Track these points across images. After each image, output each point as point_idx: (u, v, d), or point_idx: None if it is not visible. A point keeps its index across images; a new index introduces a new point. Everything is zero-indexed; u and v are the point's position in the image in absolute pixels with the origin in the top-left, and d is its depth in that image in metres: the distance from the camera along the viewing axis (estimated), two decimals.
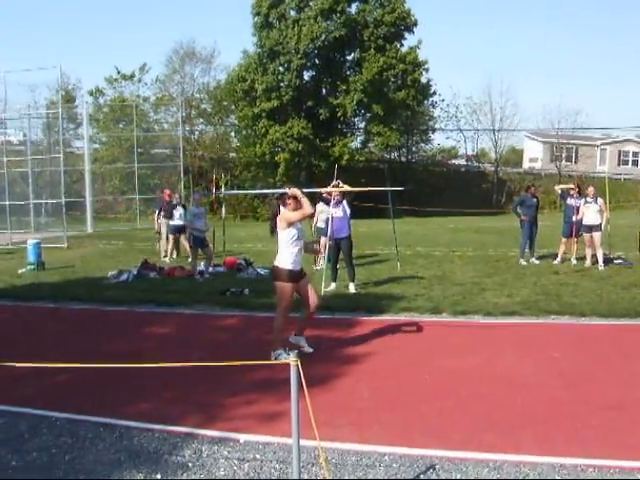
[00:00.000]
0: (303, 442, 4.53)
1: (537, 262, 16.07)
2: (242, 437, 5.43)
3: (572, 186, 16.85)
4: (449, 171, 60.38)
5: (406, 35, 46.43)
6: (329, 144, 43.90)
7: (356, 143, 48.67)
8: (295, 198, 7.76)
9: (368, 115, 46.38)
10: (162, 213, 19.07)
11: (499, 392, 6.47)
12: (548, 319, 9.80)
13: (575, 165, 62.38)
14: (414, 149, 60.99)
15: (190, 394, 6.56)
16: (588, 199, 15.44)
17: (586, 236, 15.41)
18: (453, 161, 66.69)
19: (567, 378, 6.89)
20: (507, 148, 67.28)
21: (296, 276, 7.84)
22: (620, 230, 20.72)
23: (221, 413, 6.00)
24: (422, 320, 9.85)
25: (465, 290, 12.15)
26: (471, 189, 53.69)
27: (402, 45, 46.20)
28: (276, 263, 7.87)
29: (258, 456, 5.10)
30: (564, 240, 16.21)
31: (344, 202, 12.65)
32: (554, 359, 7.62)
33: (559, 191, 17.09)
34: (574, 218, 15.62)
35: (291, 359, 4.29)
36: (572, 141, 65.02)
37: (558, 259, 16.13)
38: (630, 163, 64.95)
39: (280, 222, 7.81)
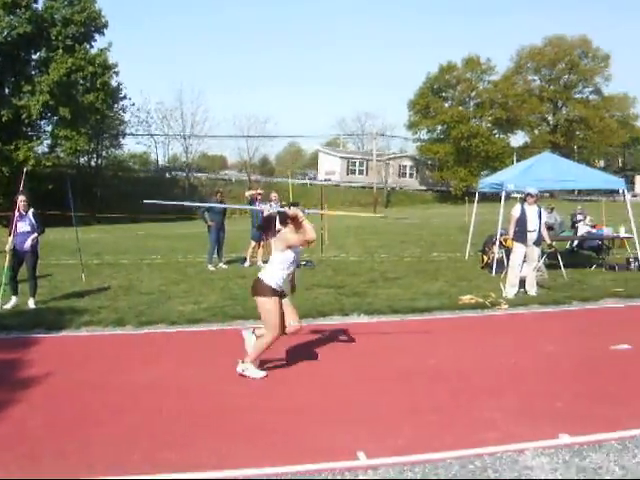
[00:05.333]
0: None
1: (225, 267, 16.24)
2: None
3: (259, 191, 17.31)
4: (140, 176, 59.60)
5: (96, 36, 45.19)
6: (12, 148, 41.04)
7: (43, 147, 46.18)
8: (295, 219, 7.07)
9: (55, 118, 44.21)
10: None
11: (179, 405, 6.22)
12: (233, 324, 9.80)
13: (367, 177, 72.70)
14: (104, 154, 59.29)
15: None
16: (272, 204, 15.85)
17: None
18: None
19: (248, 385, 6.86)
20: (199, 154, 68.20)
21: (278, 293, 7.20)
22: None
23: None
24: (104, 334, 9.38)
25: (151, 299, 11.82)
26: (163, 195, 53.39)
27: (92, 47, 44.91)
28: (261, 276, 7.25)
29: None
30: (253, 244, 16.58)
31: (30, 213, 11.58)
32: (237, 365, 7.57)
33: (249, 197, 17.41)
34: None
35: None
36: (364, 157, 76.97)
37: (247, 263, 16.45)
38: (407, 175, 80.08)
39: (278, 242, 7.21)
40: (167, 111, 62.10)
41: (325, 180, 70.17)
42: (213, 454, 5.08)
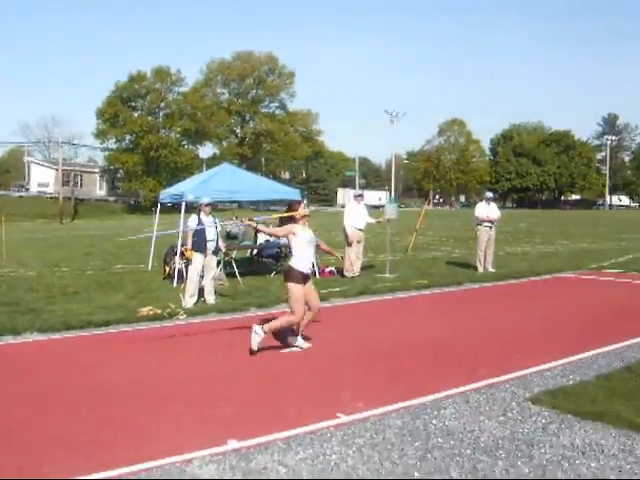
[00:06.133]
0: None
1: None
2: None
3: None
4: None
5: None
6: None
7: None
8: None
9: None
10: None
11: None
12: None
13: (82, 189, 75.28)
14: None
15: None
16: None
17: None
18: None
19: None
20: None
21: (306, 277, 8.37)
22: None
23: None
24: None
25: None
26: None
27: None
28: (292, 264, 8.38)
29: None
30: None
31: None
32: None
33: None
34: None
35: None
36: (77, 169, 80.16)
37: None
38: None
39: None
40: None
41: (39, 192, 68.44)
42: None
